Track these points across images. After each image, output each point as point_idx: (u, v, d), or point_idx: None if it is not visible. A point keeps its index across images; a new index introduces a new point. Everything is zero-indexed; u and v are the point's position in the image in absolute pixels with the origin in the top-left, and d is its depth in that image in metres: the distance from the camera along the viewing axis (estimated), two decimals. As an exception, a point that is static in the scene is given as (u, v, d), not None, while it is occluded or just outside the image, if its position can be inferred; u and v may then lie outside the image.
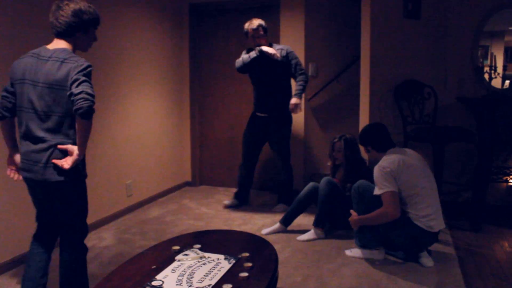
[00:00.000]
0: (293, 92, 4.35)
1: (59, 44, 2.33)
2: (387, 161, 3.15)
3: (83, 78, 2.19)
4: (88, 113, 2.15)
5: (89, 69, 2.24)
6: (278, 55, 4.25)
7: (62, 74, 2.22)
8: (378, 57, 4.25)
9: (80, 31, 2.34)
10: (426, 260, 3.19)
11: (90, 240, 3.74)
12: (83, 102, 2.12)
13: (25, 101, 2.30)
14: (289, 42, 4.96)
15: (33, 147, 2.31)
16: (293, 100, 4.29)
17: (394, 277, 3.03)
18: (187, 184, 5.61)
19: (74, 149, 2.29)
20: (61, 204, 2.43)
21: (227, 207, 4.66)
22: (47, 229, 2.59)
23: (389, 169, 3.09)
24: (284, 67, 4.33)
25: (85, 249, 2.56)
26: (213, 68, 5.42)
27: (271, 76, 4.35)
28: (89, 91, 2.17)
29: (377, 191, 3.13)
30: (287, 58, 4.32)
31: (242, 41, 5.23)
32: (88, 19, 2.35)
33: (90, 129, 2.24)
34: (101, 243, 3.69)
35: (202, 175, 5.65)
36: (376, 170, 3.16)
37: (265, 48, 4.22)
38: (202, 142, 5.59)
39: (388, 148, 3.28)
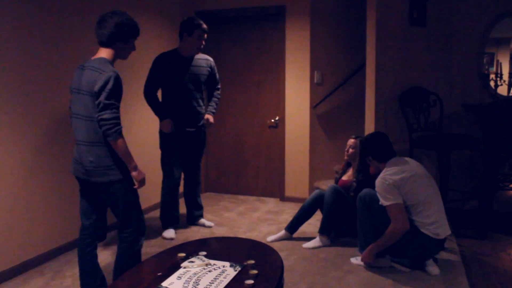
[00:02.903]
0: (208, 106, 4.12)
1: (100, 53, 2.59)
2: (389, 173, 3.14)
3: (105, 101, 2.45)
4: (108, 135, 2.47)
5: (109, 84, 2.45)
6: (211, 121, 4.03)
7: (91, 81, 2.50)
8: (383, 64, 4.26)
9: (121, 41, 2.59)
10: (432, 268, 3.17)
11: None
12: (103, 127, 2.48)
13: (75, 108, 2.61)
14: (295, 50, 4.98)
15: None
16: (211, 118, 4.03)
17: (400, 285, 3.01)
18: (192, 191, 5.61)
19: None
20: None
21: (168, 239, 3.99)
22: None
23: (392, 181, 3.09)
24: (207, 79, 4.04)
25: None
26: (219, 75, 5.42)
27: (198, 87, 3.97)
28: (106, 116, 2.45)
29: (382, 203, 3.12)
30: (211, 70, 4.06)
31: (247, 49, 5.26)
32: (129, 31, 2.60)
33: (119, 147, 2.52)
34: (107, 249, 3.70)
35: (208, 182, 5.65)
36: (379, 182, 3.15)
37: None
38: (207, 149, 5.60)
39: (389, 159, 3.26)
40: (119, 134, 2.48)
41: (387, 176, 3.12)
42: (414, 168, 3.20)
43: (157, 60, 3.91)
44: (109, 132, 2.45)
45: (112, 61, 2.59)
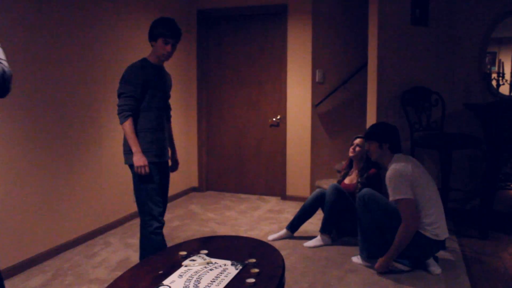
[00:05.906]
0: None
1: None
2: (401, 165, 3.09)
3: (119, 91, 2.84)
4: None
5: (123, 76, 2.85)
6: None
7: None
8: (385, 63, 4.25)
9: (151, 40, 2.90)
10: (434, 268, 3.17)
11: (97, 245, 3.76)
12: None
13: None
14: (297, 49, 4.98)
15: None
16: None
17: (401, 284, 3.01)
18: (193, 189, 5.62)
19: None
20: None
21: None
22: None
23: (405, 174, 3.05)
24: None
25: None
26: (220, 74, 5.44)
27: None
28: (118, 103, 2.83)
29: (393, 196, 3.06)
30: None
31: (249, 48, 5.26)
32: (154, 32, 2.85)
33: (126, 131, 2.79)
34: (108, 248, 3.70)
35: (209, 181, 5.66)
36: (392, 174, 3.08)
37: None
38: (209, 148, 5.60)
39: (398, 152, 3.24)
40: (124, 118, 2.76)
41: (401, 168, 3.07)
42: (419, 166, 3.20)
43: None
44: (118, 117, 2.78)
45: (149, 57, 2.92)
